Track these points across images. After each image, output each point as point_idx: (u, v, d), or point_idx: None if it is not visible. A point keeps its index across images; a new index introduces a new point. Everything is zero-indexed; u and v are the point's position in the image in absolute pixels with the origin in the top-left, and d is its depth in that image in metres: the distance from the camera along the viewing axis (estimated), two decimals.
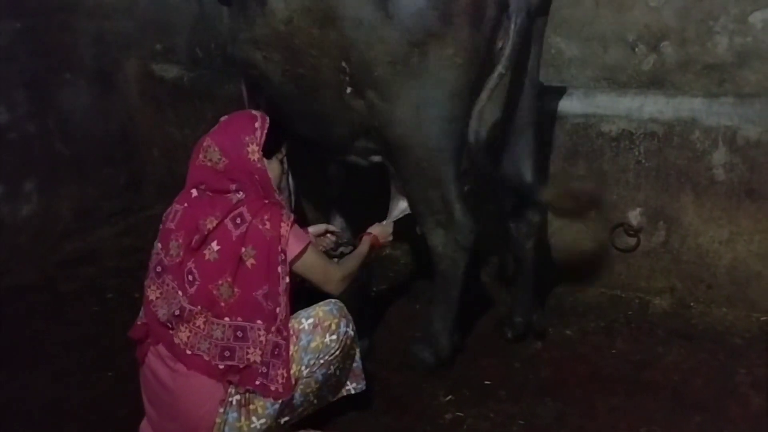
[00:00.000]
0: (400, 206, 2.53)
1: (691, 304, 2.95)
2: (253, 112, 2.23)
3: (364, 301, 2.69)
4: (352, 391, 2.25)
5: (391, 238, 2.53)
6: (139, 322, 2.13)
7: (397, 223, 2.56)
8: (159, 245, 2.10)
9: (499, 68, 2.19)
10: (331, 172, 3.17)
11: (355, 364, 2.24)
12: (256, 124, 2.13)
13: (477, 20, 2.12)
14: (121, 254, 3.72)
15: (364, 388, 2.26)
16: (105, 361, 2.74)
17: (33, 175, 3.69)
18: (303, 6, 2.24)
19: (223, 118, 2.21)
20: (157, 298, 2.06)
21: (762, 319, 2.81)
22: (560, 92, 3.00)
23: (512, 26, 2.16)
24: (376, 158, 2.51)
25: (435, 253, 2.47)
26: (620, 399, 2.40)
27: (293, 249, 2.08)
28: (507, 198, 2.60)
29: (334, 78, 2.30)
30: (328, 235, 2.55)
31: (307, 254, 2.11)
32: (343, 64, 2.24)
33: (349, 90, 2.30)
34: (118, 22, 4.06)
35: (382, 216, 2.58)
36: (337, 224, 3.11)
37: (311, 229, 2.49)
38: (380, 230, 2.50)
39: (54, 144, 3.78)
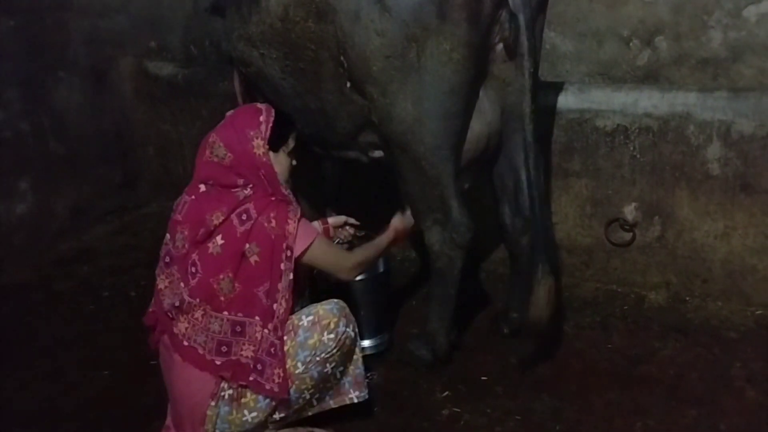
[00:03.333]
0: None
1: (687, 298, 2.95)
2: (259, 105, 2.23)
3: (386, 295, 2.71)
4: (355, 400, 2.22)
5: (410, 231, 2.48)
6: (151, 310, 2.17)
7: None
8: (168, 236, 2.14)
9: (526, 65, 2.20)
10: (326, 169, 3.17)
11: (357, 371, 2.22)
12: (261, 118, 2.14)
13: (474, 16, 2.12)
14: (116, 252, 3.71)
15: (366, 397, 2.24)
16: (101, 359, 2.73)
17: (28, 173, 3.67)
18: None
19: (229, 113, 2.22)
20: (165, 287, 2.11)
21: (757, 312, 2.81)
22: (555, 87, 2.99)
23: (521, 23, 2.16)
24: (378, 153, 2.50)
25: (432, 251, 2.47)
26: (616, 393, 2.40)
27: (300, 245, 2.10)
28: (502, 194, 2.59)
29: (334, 71, 2.29)
30: (347, 227, 2.56)
31: (315, 247, 2.13)
32: (341, 58, 2.24)
33: (348, 84, 2.29)
34: (112, 20, 4.05)
35: (379, 215, 2.57)
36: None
37: (331, 220, 2.52)
38: (403, 222, 2.45)
39: (48, 142, 3.77)
